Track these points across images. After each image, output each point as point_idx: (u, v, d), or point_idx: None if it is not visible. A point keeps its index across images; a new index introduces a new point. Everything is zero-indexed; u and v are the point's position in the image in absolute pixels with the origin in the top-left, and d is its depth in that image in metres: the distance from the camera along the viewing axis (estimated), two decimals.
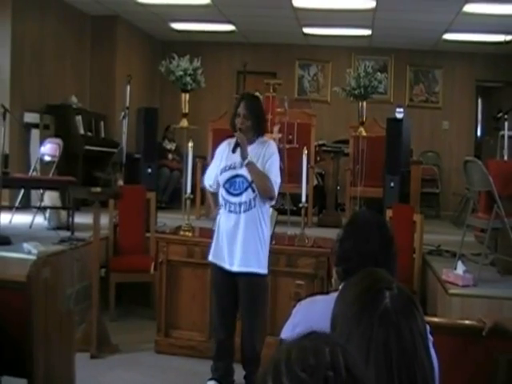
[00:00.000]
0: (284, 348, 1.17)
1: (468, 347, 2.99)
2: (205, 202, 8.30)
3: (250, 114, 4.21)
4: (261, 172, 4.16)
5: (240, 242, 4.18)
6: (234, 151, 4.16)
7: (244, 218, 4.19)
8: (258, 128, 4.27)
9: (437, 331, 2.74)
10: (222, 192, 4.27)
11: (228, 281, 4.25)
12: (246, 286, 4.23)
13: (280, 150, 7.09)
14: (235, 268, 4.20)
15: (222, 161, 4.30)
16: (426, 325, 1.57)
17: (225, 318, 4.37)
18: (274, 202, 4.42)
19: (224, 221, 4.26)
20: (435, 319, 3.29)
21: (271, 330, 4.79)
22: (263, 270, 4.26)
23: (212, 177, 4.38)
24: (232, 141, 4.28)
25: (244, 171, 4.18)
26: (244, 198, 4.18)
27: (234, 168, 4.21)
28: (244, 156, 4.12)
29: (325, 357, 1.12)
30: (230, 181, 4.22)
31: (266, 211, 4.30)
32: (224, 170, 4.26)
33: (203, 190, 8.13)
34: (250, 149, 4.19)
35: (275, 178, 4.18)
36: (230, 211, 4.22)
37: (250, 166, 4.13)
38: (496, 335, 2.86)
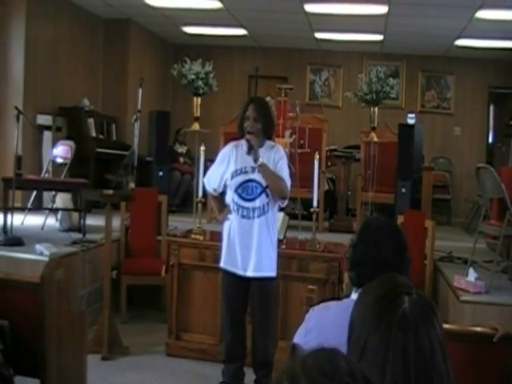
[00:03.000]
0: (297, 357, 1.18)
1: (480, 354, 2.98)
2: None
3: (260, 116, 4.18)
4: (274, 173, 4.14)
5: (255, 247, 4.16)
6: (249, 153, 4.12)
7: (258, 224, 4.16)
8: (267, 131, 4.24)
9: (448, 337, 2.74)
10: (233, 197, 4.22)
11: (240, 286, 4.24)
12: (260, 290, 4.23)
13: (291, 155, 7.15)
14: (250, 273, 4.18)
15: (231, 164, 4.24)
16: (443, 332, 1.57)
17: (235, 322, 4.36)
18: (286, 202, 4.38)
19: (236, 226, 4.21)
20: (447, 326, 3.28)
21: (283, 335, 4.80)
22: (275, 273, 4.27)
23: (217, 180, 4.33)
24: (239, 143, 4.25)
25: (257, 176, 4.15)
26: (258, 203, 4.16)
27: (246, 172, 4.17)
28: (256, 158, 4.09)
29: (342, 364, 1.13)
30: (243, 186, 4.18)
31: (275, 214, 4.29)
32: (235, 174, 4.20)
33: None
34: (260, 152, 4.16)
35: (287, 177, 4.18)
36: (242, 216, 4.18)
37: (263, 168, 4.11)
38: (507, 343, 2.85)
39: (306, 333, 2.31)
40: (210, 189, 4.43)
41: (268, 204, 4.17)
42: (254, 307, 4.28)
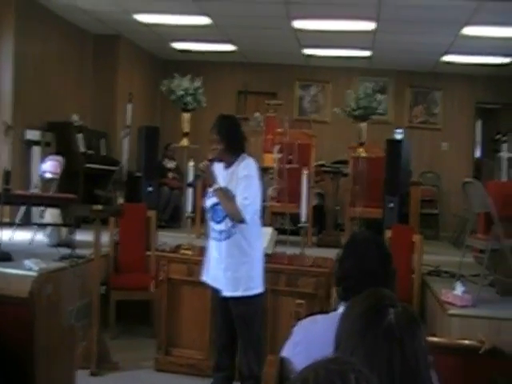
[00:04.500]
0: (311, 368, 1.22)
1: (467, 366, 3.00)
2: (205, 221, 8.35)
3: (221, 136, 4.14)
4: (228, 197, 4.08)
5: (223, 269, 4.17)
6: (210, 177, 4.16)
7: (225, 246, 4.16)
8: (233, 149, 4.17)
9: (436, 350, 2.76)
10: (208, 218, 4.30)
11: (222, 302, 4.26)
12: (237, 308, 4.22)
13: (279, 170, 7.19)
14: (224, 293, 4.21)
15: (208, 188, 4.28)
16: (427, 344, 1.60)
17: (222, 337, 4.36)
18: (244, 224, 4.17)
19: (211, 247, 4.29)
20: (434, 339, 3.31)
21: (272, 349, 4.79)
22: (253, 292, 4.21)
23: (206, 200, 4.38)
24: (219, 165, 4.25)
25: None
26: (223, 226, 4.16)
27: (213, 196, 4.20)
28: (210, 184, 4.11)
29: (351, 381, 1.18)
30: (213, 208, 4.21)
31: (252, 232, 4.21)
32: (208, 196, 4.25)
33: (204, 209, 8.23)
34: (231, 170, 4.15)
35: (244, 201, 4.04)
36: (213, 238, 4.25)
37: (217, 193, 4.10)
38: (493, 356, 2.88)
39: (294, 346, 2.33)
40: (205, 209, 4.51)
41: (234, 227, 4.13)
42: (236, 325, 4.28)
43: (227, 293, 4.19)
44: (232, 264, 4.16)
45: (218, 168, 4.24)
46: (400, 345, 1.53)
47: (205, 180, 4.56)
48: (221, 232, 4.18)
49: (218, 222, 4.18)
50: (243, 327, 4.24)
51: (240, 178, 4.11)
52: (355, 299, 1.70)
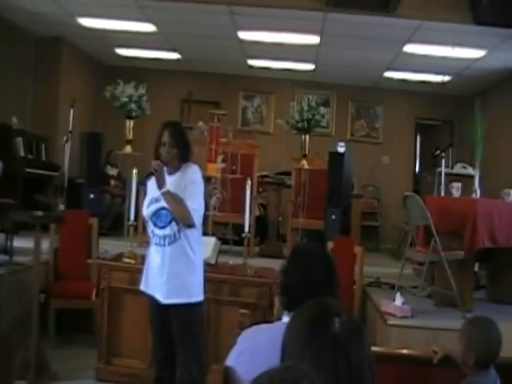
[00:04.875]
0: (265, 376, 1.23)
1: (417, 376, 3.07)
2: (146, 229, 8.28)
3: (176, 141, 4.15)
4: (177, 200, 4.07)
5: (166, 275, 4.12)
6: (157, 182, 4.07)
7: (169, 251, 4.13)
8: (183, 155, 4.19)
9: (383, 360, 2.81)
10: (149, 224, 4.23)
11: (160, 311, 4.19)
12: (177, 316, 4.17)
13: (223, 180, 7.19)
14: (164, 300, 4.14)
15: (148, 194, 4.25)
16: (371, 352, 1.64)
17: (161, 349, 4.28)
18: (192, 228, 4.20)
19: (153, 253, 4.22)
20: (375, 348, 3.37)
21: (215, 358, 4.80)
22: (195, 299, 4.19)
23: (144, 209, 4.31)
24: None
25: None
26: (168, 230, 4.12)
27: (159, 200, 4.12)
28: (159, 185, 4.05)
29: None
30: (156, 214, 4.15)
31: (195, 239, 4.21)
32: (150, 202, 4.19)
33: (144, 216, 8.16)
34: (176, 176, 4.14)
35: (192, 205, 4.06)
36: (156, 244, 4.18)
37: (166, 196, 4.06)
38: (446, 365, 2.95)
39: (239, 355, 2.34)
40: (144, 216, 4.39)
41: (179, 231, 4.11)
42: (175, 334, 4.21)
43: (169, 300, 4.12)
44: (176, 269, 4.11)
45: (153, 180, 4.18)
46: (345, 353, 1.55)
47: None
48: (165, 237, 4.12)
49: (162, 228, 4.13)
50: (184, 335, 4.19)
51: (188, 183, 4.11)
52: (301, 308, 1.72)
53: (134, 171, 5.47)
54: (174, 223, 4.11)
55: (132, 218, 5.37)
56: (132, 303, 5.23)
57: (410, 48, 8.72)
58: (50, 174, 8.79)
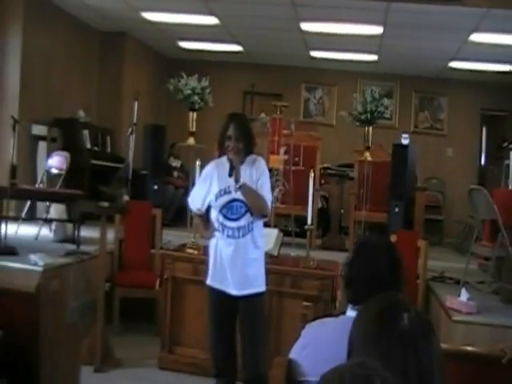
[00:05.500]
0: (336, 372, 1.22)
1: (482, 376, 3.00)
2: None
3: (242, 135, 4.12)
4: (254, 192, 4.10)
5: (242, 266, 4.12)
6: (230, 175, 4.06)
7: (243, 243, 4.12)
8: (248, 148, 4.18)
9: (447, 357, 2.76)
10: (218, 217, 4.17)
11: (228, 304, 4.18)
12: (249, 307, 4.17)
13: (285, 172, 7.19)
14: (238, 292, 4.13)
15: (213, 184, 4.18)
16: (441, 350, 1.60)
17: (223, 338, 4.28)
18: (266, 219, 4.34)
19: (223, 246, 4.17)
20: (444, 345, 3.31)
21: (276, 350, 4.80)
22: (263, 288, 4.22)
23: (200, 200, 4.24)
24: (220, 162, 4.21)
25: (240, 195, 4.11)
26: (243, 222, 4.11)
27: (230, 192, 4.12)
28: (237, 179, 4.05)
29: None
30: (227, 206, 4.12)
31: (261, 230, 4.24)
32: (219, 194, 4.15)
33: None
34: (241, 169, 4.11)
35: (267, 195, 4.13)
36: (228, 236, 4.13)
37: (244, 189, 4.06)
38: None
39: (302, 348, 2.33)
40: (193, 208, 4.36)
41: (252, 223, 4.13)
42: (242, 324, 4.22)
43: (243, 291, 4.12)
44: (249, 260, 4.13)
45: (222, 166, 4.19)
46: (414, 350, 1.52)
47: None
48: (239, 229, 4.11)
49: (235, 219, 4.12)
50: (252, 326, 4.19)
51: (260, 174, 4.14)
52: (368, 303, 1.69)
53: (197, 163, 5.50)
54: (248, 214, 4.12)
55: None
56: (195, 293, 5.28)
57: (476, 37, 8.51)
58: (114, 166, 8.96)
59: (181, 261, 5.35)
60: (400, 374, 1.49)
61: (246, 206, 4.12)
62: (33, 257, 5.33)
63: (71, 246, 6.16)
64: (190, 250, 5.43)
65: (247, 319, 4.20)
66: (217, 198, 4.15)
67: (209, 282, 4.24)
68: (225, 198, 4.13)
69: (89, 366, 4.82)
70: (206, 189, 4.20)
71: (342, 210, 8.73)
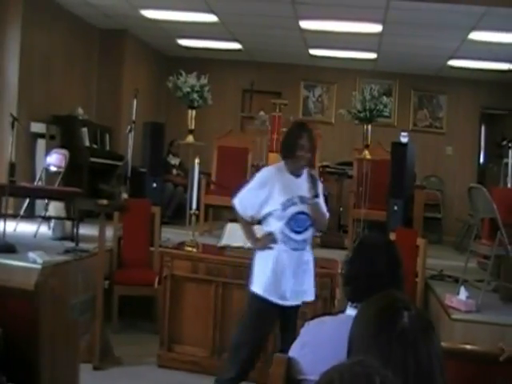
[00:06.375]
0: (335, 370, 1.22)
1: (481, 374, 3.00)
2: (209, 219, 8.35)
3: (311, 146, 4.11)
4: (322, 209, 4.12)
5: (306, 277, 4.12)
6: (313, 188, 3.99)
7: (306, 255, 4.13)
8: (312, 160, 4.28)
9: (446, 355, 2.76)
10: (283, 229, 4.01)
11: (277, 314, 4.13)
12: (296, 313, 4.20)
13: None
14: (294, 302, 4.11)
15: (275, 193, 4.02)
16: (441, 349, 1.60)
17: (259, 350, 4.21)
18: None
19: (285, 258, 4.04)
20: (444, 344, 3.31)
21: (275, 349, 4.79)
22: (313, 297, 4.29)
23: (255, 207, 4.07)
24: (279, 168, 4.11)
25: (305, 208, 4.03)
26: (307, 235, 4.09)
27: (296, 204, 4.02)
28: (316, 193, 3.99)
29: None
30: (294, 218, 4.02)
31: None
32: (287, 205, 4.01)
33: (208, 207, 8.23)
34: (301, 180, 4.07)
35: (327, 212, 4.20)
36: (292, 249, 4.04)
37: (316, 205, 4.04)
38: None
39: (302, 347, 2.33)
40: (245, 215, 4.13)
41: (312, 235, 4.22)
42: (286, 329, 4.17)
43: (297, 301, 4.13)
44: (307, 271, 4.15)
45: (283, 174, 4.11)
46: (414, 349, 1.52)
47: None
48: (304, 241, 4.08)
49: (300, 232, 4.05)
50: (295, 331, 3.99)
51: (320, 189, 4.09)
52: (369, 301, 1.69)
53: (196, 160, 5.50)
54: (311, 228, 4.12)
55: (194, 206, 5.41)
56: (194, 291, 5.30)
57: (475, 35, 8.50)
58: (113, 164, 8.96)
59: (180, 259, 5.34)
60: (400, 373, 1.49)
61: (311, 219, 4.07)
62: (31, 254, 5.33)
63: (70, 244, 6.16)
64: (189, 248, 5.43)
65: (292, 324, 4.14)
66: (285, 207, 4.01)
67: (262, 293, 4.06)
68: (292, 210, 4.02)
69: (88, 363, 4.82)
70: (265, 196, 4.04)
71: (341, 208, 8.73)
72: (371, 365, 1.27)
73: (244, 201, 4.11)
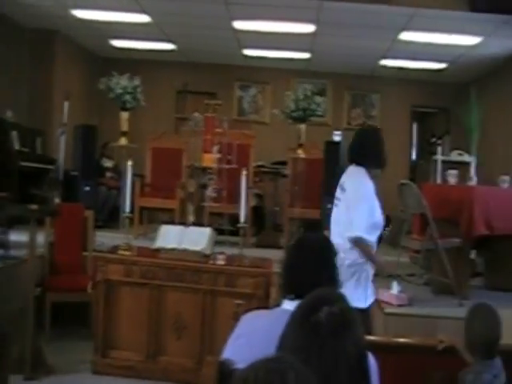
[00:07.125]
0: (251, 368, 1.22)
1: (418, 365, 3.06)
2: (144, 221, 8.26)
3: None
4: None
5: None
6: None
7: None
8: None
9: (382, 349, 2.80)
10: (376, 241, 4.03)
11: None
12: None
13: (219, 171, 7.17)
14: None
15: (377, 204, 4.00)
16: (359, 350, 1.60)
17: None
18: None
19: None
20: (378, 338, 3.36)
21: (209, 349, 4.79)
22: None
23: (379, 223, 4.00)
24: (366, 176, 4.07)
25: None
26: None
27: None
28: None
29: (290, 380, 1.18)
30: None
31: None
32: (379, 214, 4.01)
33: (143, 209, 8.14)
34: None
35: None
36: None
37: None
38: (448, 354, 2.95)
39: (237, 338, 2.36)
40: (369, 238, 3.96)
41: None
42: None
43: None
44: None
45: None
46: (329, 343, 1.54)
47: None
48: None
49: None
50: None
51: None
52: (303, 299, 1.72)
53: (129, 163, 5.43)
54: None
55: (127, 209, 5.35)
56: (128, 295, 5.23)
57: (405, 36, 8.68)
58: (45, 168, 8.75)
59: (113, 263, 5.27)
60: (318, 367, 1.51)
61: None
62: None
63: None
64: (123, 252, 5.36)
65: None
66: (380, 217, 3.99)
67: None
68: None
69: (19, 374, 4.70)
70: (375, 208, 3.99)
71: (277, 208, 8.76)
72: (286, 360, 1.27)
73: (368, 218, 3.93)
